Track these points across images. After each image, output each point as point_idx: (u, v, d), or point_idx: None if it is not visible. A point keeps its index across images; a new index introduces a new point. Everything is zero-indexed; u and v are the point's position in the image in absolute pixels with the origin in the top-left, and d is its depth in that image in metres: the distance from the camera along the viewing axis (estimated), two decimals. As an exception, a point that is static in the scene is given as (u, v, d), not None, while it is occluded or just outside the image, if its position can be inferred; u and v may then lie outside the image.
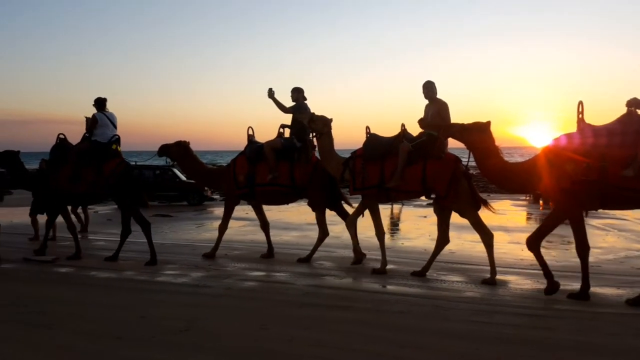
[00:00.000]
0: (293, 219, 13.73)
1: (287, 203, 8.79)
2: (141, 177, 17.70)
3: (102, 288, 6.47)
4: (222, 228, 8.59)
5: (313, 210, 8.30)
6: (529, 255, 8.27)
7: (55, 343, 4.49)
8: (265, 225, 8.73)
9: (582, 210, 5.90)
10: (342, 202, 8.52)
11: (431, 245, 9.37)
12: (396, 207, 16.74)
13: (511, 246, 9.48)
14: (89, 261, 8.13)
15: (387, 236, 10.78)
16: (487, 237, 6.82)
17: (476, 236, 10.58)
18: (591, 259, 8.01)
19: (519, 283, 6.61)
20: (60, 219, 8.76)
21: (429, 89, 7.17)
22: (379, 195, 7.24)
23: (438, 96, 7.25)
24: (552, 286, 5.92)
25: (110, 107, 8.59)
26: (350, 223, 7.63)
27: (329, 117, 7.78)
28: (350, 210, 8.22)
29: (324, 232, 8.23)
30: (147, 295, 6.10)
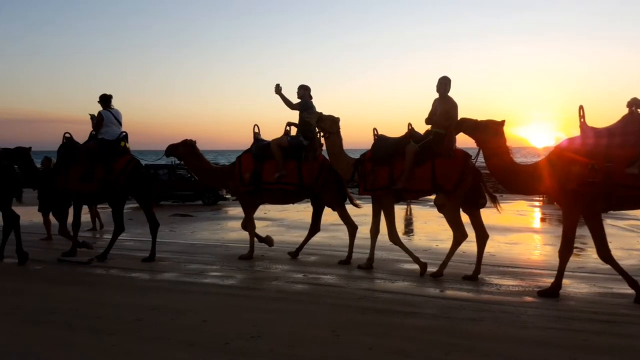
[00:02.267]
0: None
1: (294, 202, 8.68)
2: (156, 176, 17.46)
3: (151, 290, 6.27)
4: (251, 228, 8.45)
5: (333, 209, 8.24)
6: (574, 258, 8.16)
7: (124, 350, 4.29)
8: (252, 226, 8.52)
9: (596, 212, 5.80)
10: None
11: (465, 246, 9.26)
12: (404, 206, 16.54)
13: (549, 249, 9.36)
14: (125, 262, 7.94)
15: (417, 238, 10.71)
16: (462, 237, 6.91)
17: (513, 237, 10.60)
18: (633, 261, 7.96)
19: (575, 287, 6.46)
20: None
21: (443, 84, 7.02)
22: (389, 195, 7.18)
23: (450, 94, 7.08)
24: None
25: (114, 105, 8.44)
26: (374, 233, 7.56)
27: (336, 116, 7.67)
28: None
29: (352, 227, 8.14)
30: (198, 298, 5.91)
